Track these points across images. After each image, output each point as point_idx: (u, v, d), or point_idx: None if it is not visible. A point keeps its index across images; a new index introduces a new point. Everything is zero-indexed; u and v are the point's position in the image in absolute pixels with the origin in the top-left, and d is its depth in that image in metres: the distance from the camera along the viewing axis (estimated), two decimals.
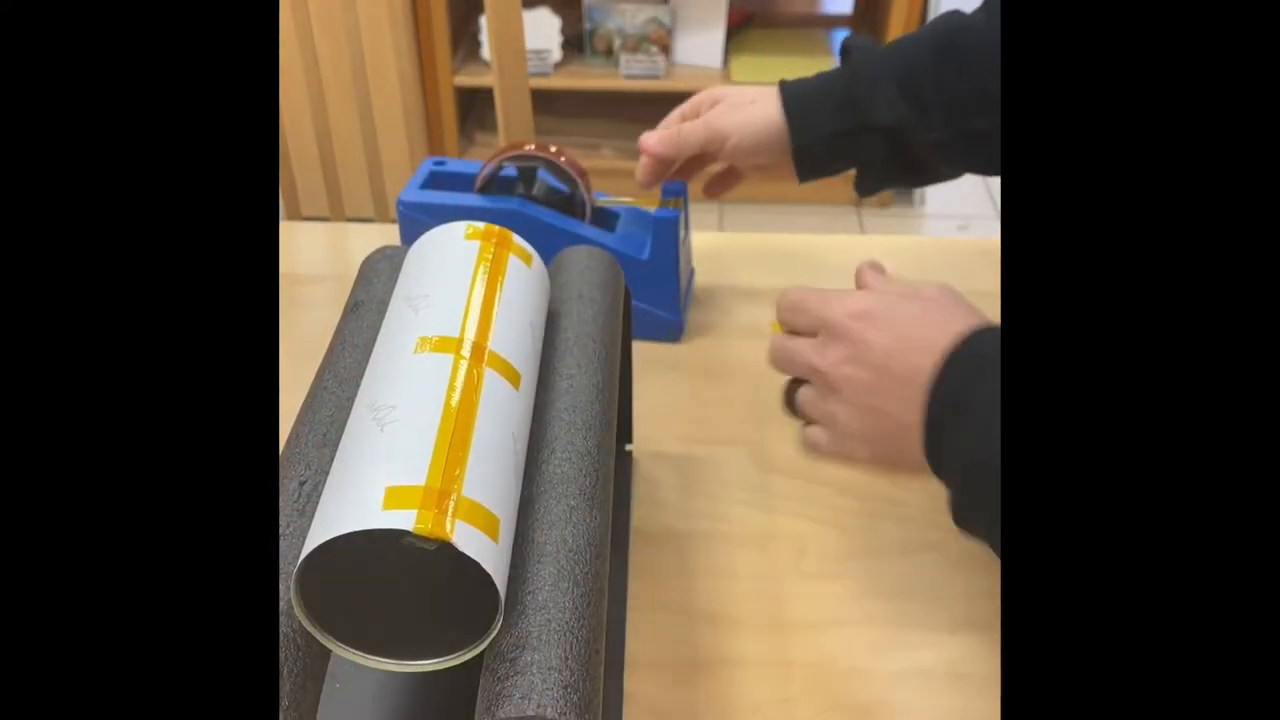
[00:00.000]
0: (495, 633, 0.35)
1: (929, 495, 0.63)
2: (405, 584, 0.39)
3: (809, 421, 0.50)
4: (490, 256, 0.45)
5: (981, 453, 0.40)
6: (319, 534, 0.34)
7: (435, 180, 0.76)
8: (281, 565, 0.37)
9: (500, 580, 0.34)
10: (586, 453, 0.42)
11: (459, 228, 0.46)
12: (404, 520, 0.33)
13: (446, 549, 0.34)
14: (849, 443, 0.48)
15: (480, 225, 0.46)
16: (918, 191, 2.17)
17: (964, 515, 0.44)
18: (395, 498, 0.34)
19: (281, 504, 0.39)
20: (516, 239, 0.47)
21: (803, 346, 0.49)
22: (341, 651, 0.35)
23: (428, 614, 0.38)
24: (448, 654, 0.35)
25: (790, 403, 0.52)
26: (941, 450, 0.44)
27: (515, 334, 0.42)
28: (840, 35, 2.19)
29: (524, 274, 0.46)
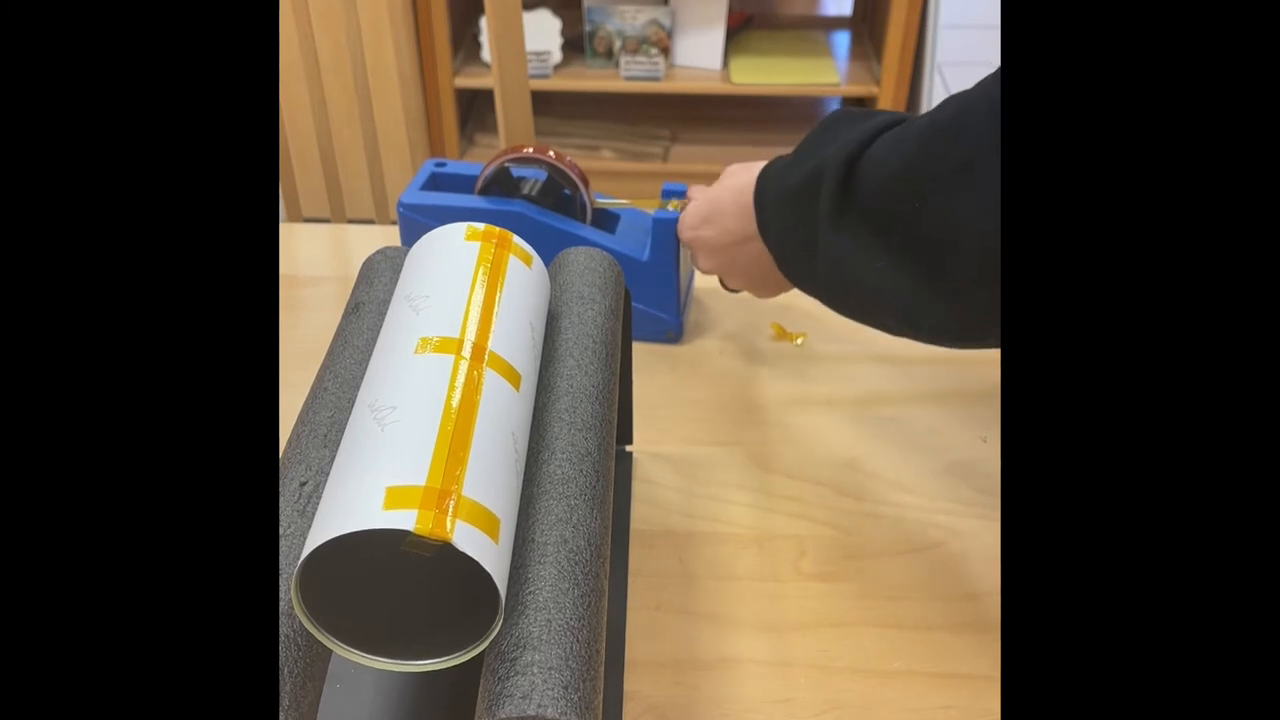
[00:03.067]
0: (495, 632, 0.35)
1: (928, 495, 0.63)
2: (406, 584, 0.39)
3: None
4: (490, 257, 0.45)
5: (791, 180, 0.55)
6: (319, 534, 0.34)
7: (436, 182, 0.76)
8: (282, 565, 0.37)
9: (501, 580, 0.35)
10: (586, 453, 0.42)
11: (459, 228, 0.46)
12: (404, 520, 0.33)
13: (447, 550, 0.34)
14: (726, 276, 0.68)
15: (480, 226, 0.46)
16: None
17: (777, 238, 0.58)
18: (396, 498, 0.34)
19: (282, 504, 0.39)
20: (517, 240, 0.47)
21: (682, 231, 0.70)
22: (342, 651, 0.35)
23: (428, 614, 0.38)
24: (448, 654, 0.35)
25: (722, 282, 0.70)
26: (768, 222, 0.58)
27: (516, 334, 0.42)
28: (840, 36, 2.19)
29: (524, 275, 0.46)
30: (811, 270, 0.54)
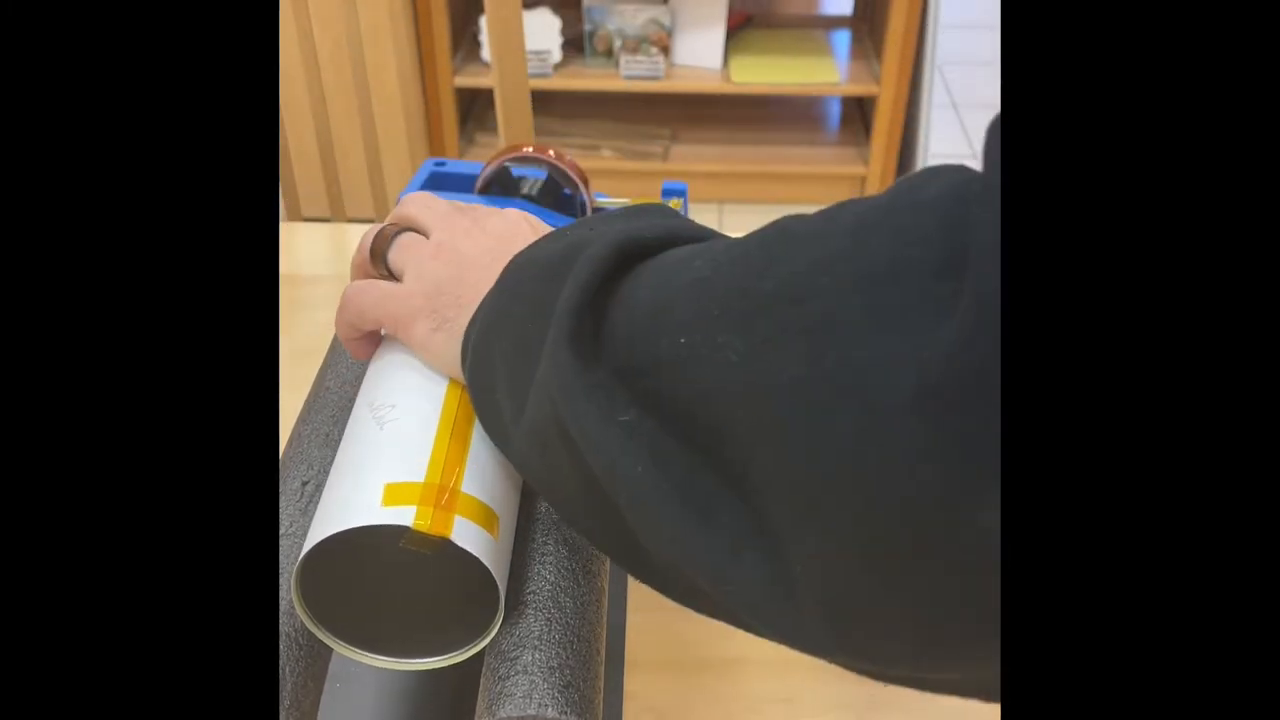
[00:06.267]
0: (496, 630, 0.35)
1: None
2: (406, 582, 0.39)
3: None
4: None
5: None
6: (318, 531, 0.34)
7: (436, 181, 0.76)
8: (283, 565, 0.37)
9: (500, 576, 0.35)
10: None
11: None
12: (403, 516, 0.33)
13: (446, 546, 0.34)
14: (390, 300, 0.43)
15: None
16: None
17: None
18: (394, 494, 0.34)
19: (283, 504, 0.39)
20: None
21: None
22: (342, 650, 0.35)
23: (429, 612, 0.38)
24: (449, 652, 0.35)
25: None
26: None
27: None
28: (840, 35, 2.19)
29: None
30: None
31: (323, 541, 0.33)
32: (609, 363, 0.30)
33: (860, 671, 0.28)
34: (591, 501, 0.31)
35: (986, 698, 0.26)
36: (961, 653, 0.25)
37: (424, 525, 0.33)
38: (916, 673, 0.27)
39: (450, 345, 0.38)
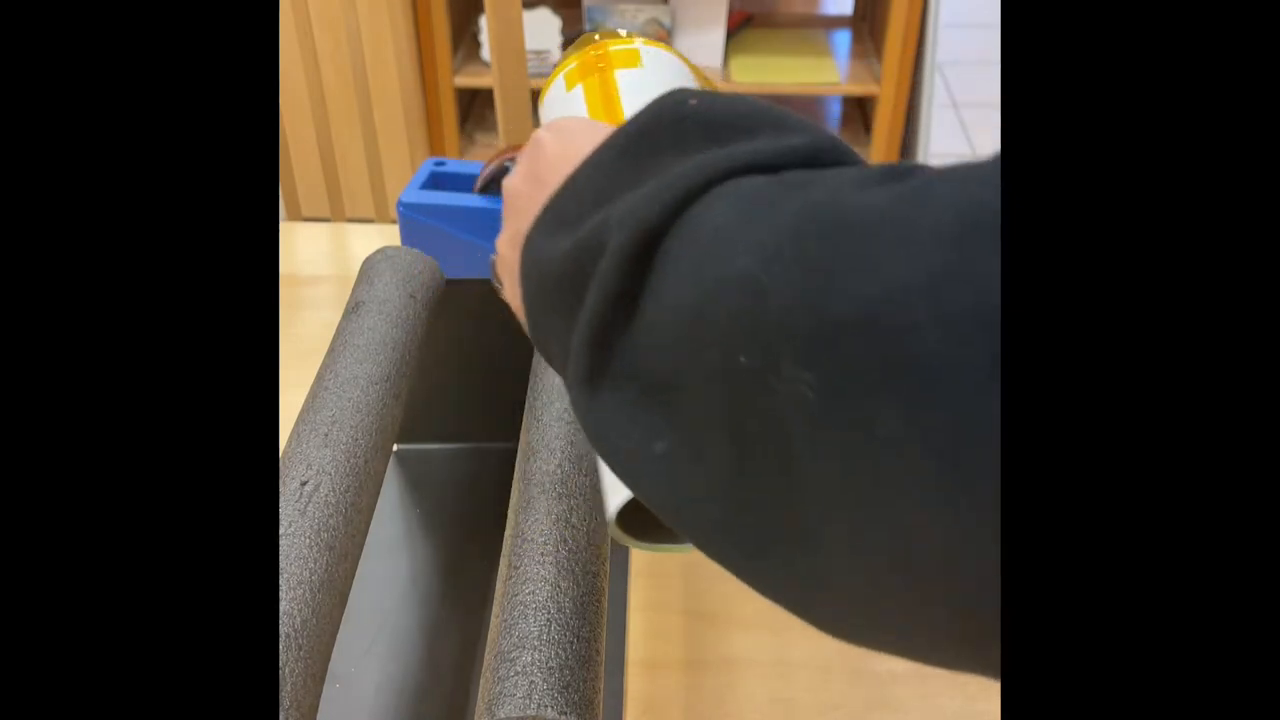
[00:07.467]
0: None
1: None
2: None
3: None
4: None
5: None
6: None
7: (436, 181, 0.76)
8: (282, 565, 0.37)
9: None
10: (586, 453, 0.42)
11: (559, 81, 0.47)
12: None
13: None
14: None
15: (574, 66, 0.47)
16: None
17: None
18: None
19: (282, 504, 0.39)
20: (615, 49, 0.47)
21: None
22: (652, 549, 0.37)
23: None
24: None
25: None
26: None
27: None
28: (841, 35, 2.19)
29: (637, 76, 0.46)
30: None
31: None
32: (637, 379, 0.26)
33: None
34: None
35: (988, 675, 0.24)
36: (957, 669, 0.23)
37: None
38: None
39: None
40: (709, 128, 0.28)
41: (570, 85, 0.46)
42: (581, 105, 0.45)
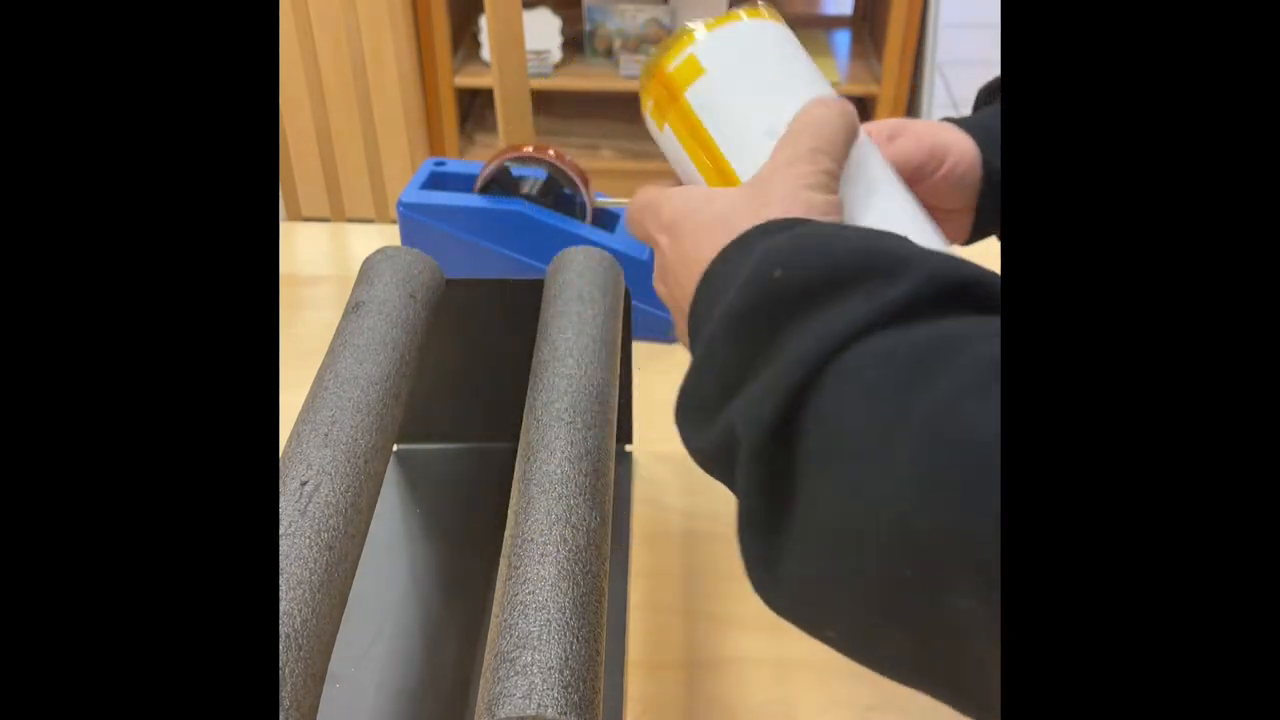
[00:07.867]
0: None
1: None
2: None
3: None
4: None
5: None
6: None
7: (436, 181, 0.76)
8: (282, 565, 0.37)
9: None
10: (586, 453, 0.42)
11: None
12: None
13: None
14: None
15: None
16: None
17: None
18: None
19: (282, 504, 0.39)
20: (671, 67, 0.46)
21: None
22: None
23: None
24: None
25: None
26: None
27: None
28: (841, 35, 2.19)
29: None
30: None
31: None
32: (796, 579, 0.31)
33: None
34: None
35: None
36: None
37: None
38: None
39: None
40: (804, 295, 0.31)
41: (659, 125, 0.45)
42: (678, 146, 0.45)
